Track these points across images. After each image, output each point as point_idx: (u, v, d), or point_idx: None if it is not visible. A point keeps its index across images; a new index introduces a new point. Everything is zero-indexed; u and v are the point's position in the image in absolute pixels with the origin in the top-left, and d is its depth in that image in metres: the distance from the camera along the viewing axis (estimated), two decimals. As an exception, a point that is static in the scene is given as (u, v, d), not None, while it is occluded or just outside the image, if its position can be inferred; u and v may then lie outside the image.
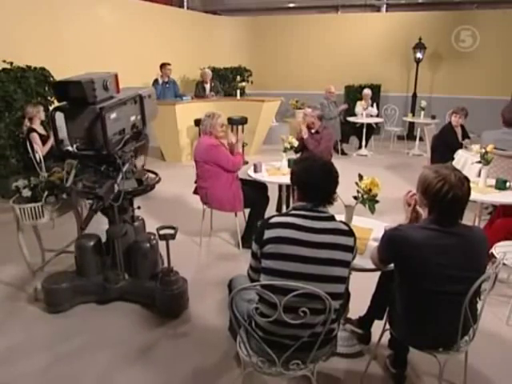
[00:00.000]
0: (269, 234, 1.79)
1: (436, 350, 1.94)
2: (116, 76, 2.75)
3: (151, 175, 3.13)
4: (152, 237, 3.11)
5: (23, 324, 2.86)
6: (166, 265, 2.95)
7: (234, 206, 3.85)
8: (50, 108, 5.67)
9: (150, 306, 3.00)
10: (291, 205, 4.21)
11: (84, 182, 2.79)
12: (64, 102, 2.58)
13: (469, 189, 1.80)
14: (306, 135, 4.45)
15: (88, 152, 2.61)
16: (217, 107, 5.92)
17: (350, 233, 1.84)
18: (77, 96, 2.47)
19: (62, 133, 2.64)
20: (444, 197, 1.77)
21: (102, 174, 2.71)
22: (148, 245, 3.04)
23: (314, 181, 1.85)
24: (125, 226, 3.01)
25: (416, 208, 2.08)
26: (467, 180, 1.81)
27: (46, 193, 3.02)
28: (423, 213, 1.96)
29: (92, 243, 3.02)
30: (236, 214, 3.93)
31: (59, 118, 2.59)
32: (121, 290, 3.03)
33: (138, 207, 3.11)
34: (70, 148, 2.62)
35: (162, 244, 2.89)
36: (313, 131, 4.52)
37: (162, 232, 2.80)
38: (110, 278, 3.02)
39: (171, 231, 2.78)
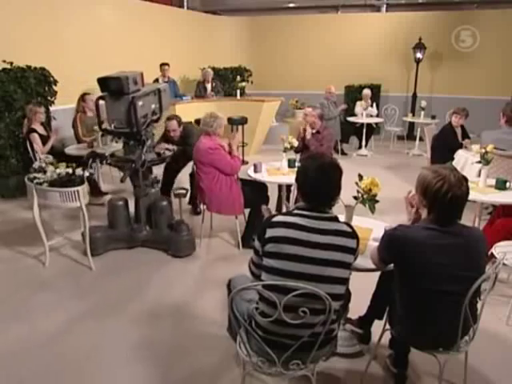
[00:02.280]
0: (271, 232, 1.79)
1: (436, 349, 1.94)
2: (142, 74, 3.59)
3: (167, 151, 4.11)
4: (167, 197, 4.10)
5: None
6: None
7: (233, 209, 3.84)
8: (51, 108, 5.69)
9: (165, 250, 3.83)
10: (291, 204, 4.24)
11: (116, 153, 3.88)
12: (105, 93, 3.47)
13: (467, 189, 1.81)
14: (309, 136, 4.44)
15: (122, 130, 3.52)
16: (217, 107, 5.93)
17: (352, 234, 1.83)
18: (116, 88, 3.37)
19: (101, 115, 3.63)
20: (443, 197, 1.77)
21: (130, 147, 3.65)
22: (164, 203, 3.90)
23: (310, 182, 1.84)
24: (146, 188, 3.87)
25: (418, 207, 2.08)
26: (466, 180, 1.82)
27: (90, 160, 4.16)
28: (422, 213, 1.96)
29: (121, 202, 3.90)
30: (236, 216, 3.93)
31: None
32: (143, 238, 3.90)
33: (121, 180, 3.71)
34: (108, 127, 3.57)
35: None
36: (313, 131, 4.52)
37: (176, 192, 3.93)
38: (135, 229, 3.89)
39: (183, 191, 3.97)
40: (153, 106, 3.68)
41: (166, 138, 4.70)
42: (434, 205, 1.82)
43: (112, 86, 3.38)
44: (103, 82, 3.41)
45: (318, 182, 1.82)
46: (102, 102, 3.55)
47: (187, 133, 4.70)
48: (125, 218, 3.90)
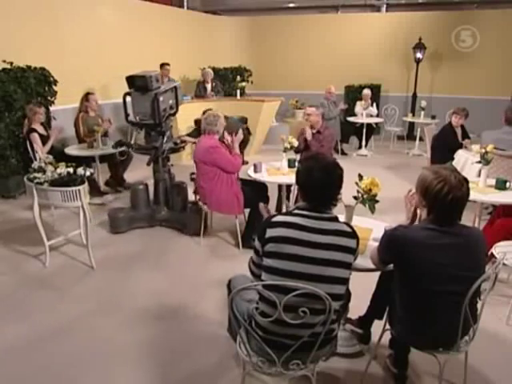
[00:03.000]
0: (271, 232, 1.79)
1: (436, 349, 1.94)
2: (162, 74, 4.18)
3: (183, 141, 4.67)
4: (183, 181, 4.57)
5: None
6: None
7: (232, 208, 3.84)
8: (51, 108, 5.69)
9: (180, 229, 4.28)
10: (291, 204, 4.24)
11: (138, 142, 4.55)
12: (131, 90, 3.99)
13: (468, 190, 1.81)
14: (310, 137, 4.44)
15: (146, 121, 4.07)
16: (217, 107, 5.93)
17: (352, 234, 1.83)
18: (141, 85, 3.90)
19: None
20: (444, 198, 1.77)
21: (152, 137, 4.17)
22: (181, 186, 4.41)
23: (314, 183, 1.83)
24: (165, 173, 4.38)
25: (417, 207, 2.08)
26: (466, 181, 1.82)
27: (118, 148, 4.71)
28: (422, 213, 1.96)
29: (142, 187, 4.41)
30: (236, 216, 3.93)
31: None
32: (161, 218, 4.38)
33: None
34: (133, 119, 4.12)
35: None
36: (314, 131, 4.51)
37: (193, 176, 4.30)
38: (155, 210, 4.39)
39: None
40: (170, 102, 4.21)
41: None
42: (434, 206, 1.82)
43: (138, 84, 3.91)
44: (131, 79, 3.93)
45: (322, 182, 1.81)
46: (128, 99, 4.09)
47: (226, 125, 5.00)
48: (145, 200, 4.42)
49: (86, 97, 5.52)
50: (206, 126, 3.81)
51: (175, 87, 4.23)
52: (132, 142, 4.58)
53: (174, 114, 4.33)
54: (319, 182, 1.82)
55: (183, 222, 4.24)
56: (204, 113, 5.13)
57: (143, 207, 4.39)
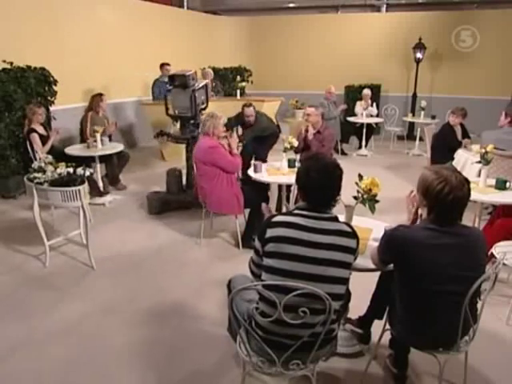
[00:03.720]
0: (271, 232, 1.79)
1: (436, 349, 1.94)
2: (196, 72, 4.72)
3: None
4: None
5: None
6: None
7: (232, 208, 3.84)
8: (51, 108, 5.69)
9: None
10: (291, 204, 4.24)
11: (173, 133, 5.09)
12: (171, 87, 4.58)
13: (469, 190, 1.81)
14: (311, 136, 4.44)
15: (184, 115, 4.64)
16: (217, 107, 5.92)
17: (352, 234, 1.83)
18: (181, 83, 4.46)
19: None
20: (445, 198, 1.77)
21: (187, 127, 4.71)
22: None
23: (312, 183, 1.83)
24: None
25: (417, 207, 2.08)
26: (467, 182, 1.81)
27: (159, 137, 5.17)
28: (423, 213, 1.96)
29: (177, 173, 4.89)
30: (236, 216, 3.93)
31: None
32: (193, 201, 4.49)
33: None
34: (172, 113, 4.72)
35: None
36: (314, 131, 4.51)
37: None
38: (187, 193, 4.81)
39: None
40: (202, 98, 4.78)
41: (242, 121, 5.63)
42: (435, 206, 1.82)
43: (179, 82, 4.47)
44: (172, 78, 4.55)
45: (321, 182, 1.81)
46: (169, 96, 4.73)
47: (257, 119, 5.61)
48: (178, 184, 4.87)
49: (100, 97, 5.52)
50: (201, 126, 3.84)
51: (206, 85, 4.88)
52: (171, 131, 5.18)
53: (204, 109, 4.82)
54: (317, 182, 1.82)
55: None
56: (245, 106, 5.55)
57: (176, 191, 4.85)
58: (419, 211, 2.06)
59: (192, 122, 4.65)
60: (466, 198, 1.79)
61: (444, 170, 1.83)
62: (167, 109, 4.75)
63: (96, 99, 5.56)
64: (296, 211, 1.86)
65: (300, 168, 1.93)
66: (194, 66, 8.73)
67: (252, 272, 1.97)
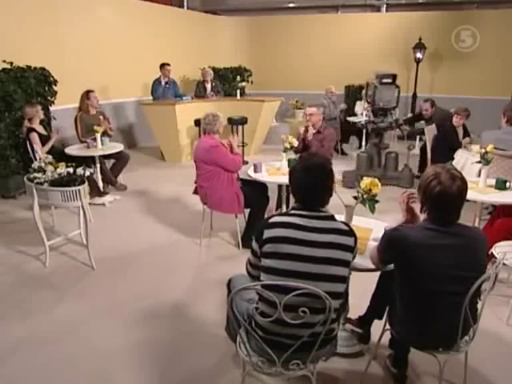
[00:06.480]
0: (268, 233, 1.79)
1: (436, 349, 1.94)
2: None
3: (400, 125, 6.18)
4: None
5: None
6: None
7: (233, 207, 3.83)
8: (51, 108, 5.69)
9: None
10: (291, 204, 4.23)
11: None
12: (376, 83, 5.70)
13: (461, 186, 1.78)
14: (311, 137, 4.43)
15: (387, 107, 5.66)
16: (217, 107, 5.93)
17: (349, 233, 1.84)
18: (388, 81, 5.69)
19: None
20: (431, 191, 1.78)
21: (386, 117, 5.75)
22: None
23: (296, 183, 1.87)
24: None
25: (410, 206, 2.10)
26: (462, 179, 1.79)
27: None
28: (423, 213, 1.96)
29: None
30: (236, 216, 3.93)
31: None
32: None
33: None
34: (377, 106, 5.66)
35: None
36: (314, 131, 4.50)
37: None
38: None
39: None
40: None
41: (419, 115, 6.36)
42: (429, 203, 1.83)
43: (386, 79, 5.45)
44: (380, 76, 5.51)
45: (304, 182, 1.84)
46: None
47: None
48: None
49: (87, 95, 5.45)
50: (205, 125, 3.82)
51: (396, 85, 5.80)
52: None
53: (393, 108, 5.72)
54: (300, 182, 1.85)
55: None
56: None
57: None
58: (415, 210, 2.07)
59: (392, 111, 5.70)
60: (455, 193, 1.76)
61: (439, 168, 1.83)
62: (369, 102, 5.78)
63: (82, 98, 5.46)
64: (292, 211, 1.86)
65: (289, 168, 1.94)
66: (194, 66, 8.80)
67: (249, 273, 1.96)
